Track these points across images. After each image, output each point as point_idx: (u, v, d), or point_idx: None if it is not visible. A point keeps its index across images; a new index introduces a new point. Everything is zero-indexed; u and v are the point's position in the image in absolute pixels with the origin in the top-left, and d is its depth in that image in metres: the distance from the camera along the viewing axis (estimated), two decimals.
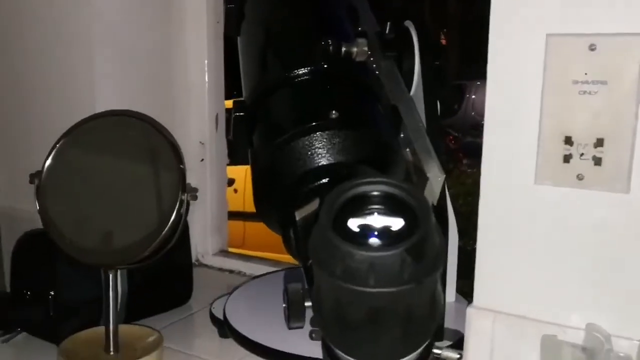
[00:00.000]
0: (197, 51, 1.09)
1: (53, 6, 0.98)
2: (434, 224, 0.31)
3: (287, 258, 1.08)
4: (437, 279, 0.33)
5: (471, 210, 0.70)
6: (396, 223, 0.33)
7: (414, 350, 0.34)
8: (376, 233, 0.32)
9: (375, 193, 0.33)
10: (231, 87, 1.14)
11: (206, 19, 1.08)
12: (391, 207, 0.33)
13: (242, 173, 2.83)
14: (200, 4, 1.08)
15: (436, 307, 0.33)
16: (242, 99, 0.66)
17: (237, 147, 0.64)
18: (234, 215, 1.21)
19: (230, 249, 1.20)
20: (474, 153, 0.67)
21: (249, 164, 0.71)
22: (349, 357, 0.34)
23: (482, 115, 0.66)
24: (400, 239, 0.31)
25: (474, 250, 0.67)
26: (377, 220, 0.33)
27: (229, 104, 1.12)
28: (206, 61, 1.09)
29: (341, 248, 0.30)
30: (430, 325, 0.33)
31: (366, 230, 0.32)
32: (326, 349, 0.38)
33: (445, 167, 0.70)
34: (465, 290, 0.77)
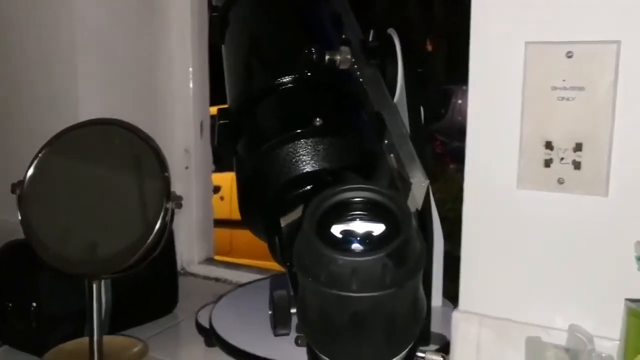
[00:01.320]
0: (182, 58, 1.09)
1: (35, 13, 0.97)
2: (415, 229, 0.32)
3: (274, 265, 1.08)
4: (418, 283, 0.33)
5: (458, 215, 0.70)
6: (378, 229, 0.34)
7: (398, 354, 0.34)
8: (358, 239, 0.33)
9: (358, 199, 0.33)
10: (215, 94, 1.14)
11: (190, 27, 1.08)
12: (373, 213, 0.34)
13: (228, 180, 2.82)
14: (185, 12, 1.08)
15: (418, 311, 0.34)
16: (226, 106, 0.66)
17: (221, 155, 0.65)
18: (220, 223, 1.21)
19: (217, 257, 1.20)
20: (461, 157, 0.69)
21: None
22: None
23: None
24: (382, 244, 0.31)
25: (460, 256, 0.68)
26: (359, 226, 0.34)
27: (214, 110, 1.13)
28: (191, 69, 1.09)
29: (324, 254, 0.30)
30: (413, 328, 0.34)
31: (349, 236, 0.33)
32: (311, 354, 0.38)
33: (433, 171, 0.70)
34: (453, 296, 0.77)
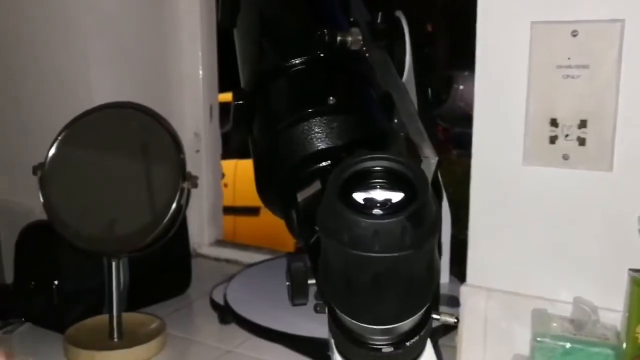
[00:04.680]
0: (191, 44, 1.10)
1: (51, 3, 0.99)
2: (431, 194, 0.34)
3: (279, 250, 1.10)
4: (434, 246, 0.35)
5: (462, 199, 0.72)
6: (396, 196, 0.36)
7: (415, 313, 0.36)
8: (379, 205, 0.35)
9: (378, 168, 0.35)
10: (224, 79, 1.15)
11: (200, 13, 1.09)
12: (391, 182, 0.36)
13: (231, 168, 2.84)
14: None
15: (434, 273, 0.36)
16: (241, 88, 0.68)
17: (231, 140, 0.66)
18: (224, 210, 1.23)
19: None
20: (463, 143, 0.70)
21: (239, 158, 0.73)
22: (355, 321, 0.37)
23: (470, 106, 0.69)
24: (401, 209, 0.34)
25: (466, 239, 0.70)
26: (379, 194, 0.36)
27: (223, 97, 1.14)
28: (200, 54, 1.11)
29: (348, 217, 0.33)
30: (429, 289, 0.36)
31: (370, 202, 0.35)
32: (332, 318, 0.41)
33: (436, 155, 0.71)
34: (459, 278, 0.79)
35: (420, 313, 0.37)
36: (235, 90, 0.64)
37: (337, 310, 0.38)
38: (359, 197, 0.35)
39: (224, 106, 1.13)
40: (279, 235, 1.11)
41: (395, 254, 0.32)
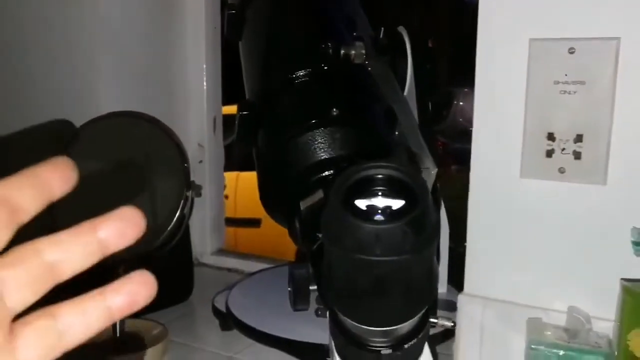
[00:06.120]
0: (196, 56, 1.12)
1: (58, 12, 1.01)
2: (431, 201, 0.36)
3: (280, 260, 1.11)
4: (433, 251, 0.37)
5: (460, 214, 0.73)
6: (397, 204, 0.37)
7: (415, 315, 0.38)
8: (380, 211, 0.36)
9: (379, 176, 0.37)
10: (227, 92, 1.17)
11: (205, 26, 1.12)
12: (393, 189, 0.37)
13: (232, 180, 2.85)
14: (200, 12, 1.12)
15: (433, 278, 0.37)
16: (246, 99, 0.70)
17: (240, 146, 0.68)
18: (225, 221, 1.24)
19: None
20: (462, 159, 0.71)
21: (240, 170, 0.74)
22: (355, 324, 0.38)
23: (469, 122, 0.71)
24: (401, 215, 0.35)
25: (464, 252, 0.71)
26: (380, 201, 0.37)
27: (227, 110, 1.16)
28: (204, 66, 1.13)
29: (351, 222, 0.34)
30: (428, 293, 0.38)
31: (372, 208, 0.37)
32: (333, 321, 0.42)
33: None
34: (458, 288, 0.80)
35: (418, 316, 0.39)
36: (240, 101, 0.66)
37: (339, 313, 0.39)
38: (361, 203, 0.37)
39: (227, 118, 1.15)
40: (279, 247, 1.12)
41: (396, 258, 0.34)
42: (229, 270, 1.14)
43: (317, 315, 0.47)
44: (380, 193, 0.37)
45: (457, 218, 0.80)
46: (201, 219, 1.16)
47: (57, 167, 0.25)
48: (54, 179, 0.25)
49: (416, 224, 0.34)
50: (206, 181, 1.15)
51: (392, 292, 0.35)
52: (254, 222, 2.70)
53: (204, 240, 1.17)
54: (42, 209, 0.25)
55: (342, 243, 0.35)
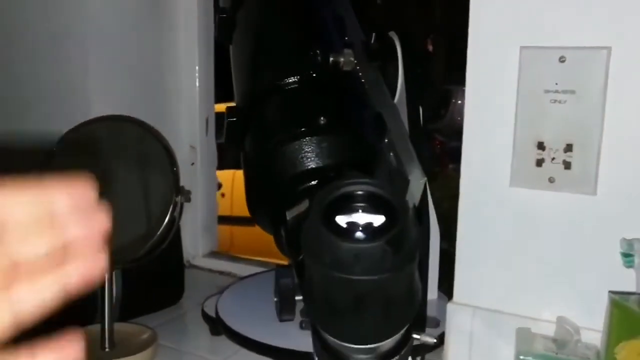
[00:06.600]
0: (188, 57, 1.12)
1: (47, 13, 1.01)
2: (411, 219, 0.35)
3: (275, 261, 1.11)
4: (414, 268, 0.36)
5: (456, 214, 0.73)
6: (377, 220, 0.37)
7: (396, 333, 0.38)
8: (361, 228, 0.36)
9: (360, 192, 0.36)
10: (220, 92, 1.17)
11: (197, 27, 1.11)
12: (373, 205, 0.37)
13: (229, 177, 2.85)
14: (192, 12, 1.11)
15: (414, 294, 0.37)
16: (234, 104, 0.70)
17: (229, 151, 0.68)
18: (221, 219, 1.24)
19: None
20: (460, 157, 0.71)
21: (237, 168, 0.74)
22: (337, 341, 0.38)
23: None
24: (382, 233, 0.35)
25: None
26: (361, 217, 0.37)
27: (219, 107, 1.15)
28: (197, 67, 1.12)
29: (331, 241, 0.34)
30: (409, 310, 0.37)
31: (352, 225, 0.36)
32: (316, 335, 0.42)
33: (431, 171, 0.72)
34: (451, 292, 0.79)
35: (401, 333, 0.38)
36: (228, 107, 0.66)
37: (320, 329, 0.39)
38: (341, 220, 0.36)
39: (220, 116, 1.14)
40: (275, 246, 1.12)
41: (375, 277, 0.34)
42: (221, 273, 1.14)
43: (302, 328, 0.46)
44: (360, 209, 0.36)
45: (454, 217, 0.79)
46: (193, 221, 1.15)
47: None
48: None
49: (396, 241, 0.34)
50: (198, 183, 1.14)
51: (373, 310, 0.35)
52: (251, 221, 2.69)
53: (196, 242, 1.17)
54: None
55: (322, 260, 0.34)
